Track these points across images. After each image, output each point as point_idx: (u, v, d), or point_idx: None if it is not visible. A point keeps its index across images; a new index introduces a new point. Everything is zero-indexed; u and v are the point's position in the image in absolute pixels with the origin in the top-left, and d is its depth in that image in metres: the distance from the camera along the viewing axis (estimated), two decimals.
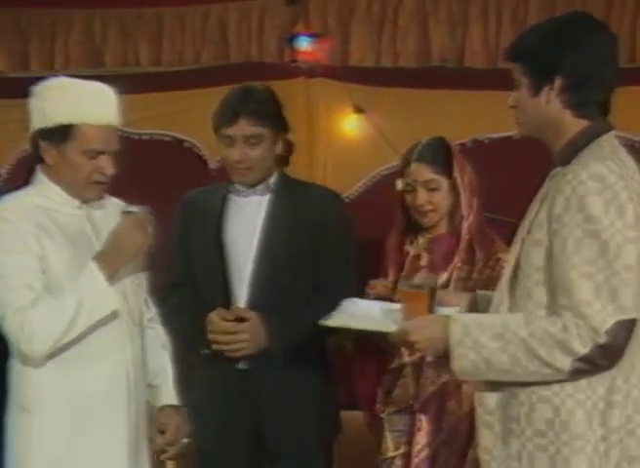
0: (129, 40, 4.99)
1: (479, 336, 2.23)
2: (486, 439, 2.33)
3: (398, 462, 3.04)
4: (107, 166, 2.62)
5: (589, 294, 2.14)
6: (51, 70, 4.73)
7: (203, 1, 4.98)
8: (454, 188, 3.08)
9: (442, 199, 3.08)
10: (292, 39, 4.82)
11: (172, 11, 4.99)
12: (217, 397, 3.13)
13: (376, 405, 3.10)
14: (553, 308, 2.20)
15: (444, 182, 3.08)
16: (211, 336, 3.06)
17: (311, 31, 4.83)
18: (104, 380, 2.61)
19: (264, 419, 3.10)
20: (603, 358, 2.15)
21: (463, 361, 2.25)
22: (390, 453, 3.05)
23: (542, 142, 2.36)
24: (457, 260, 3.04)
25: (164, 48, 4.99)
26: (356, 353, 3.11)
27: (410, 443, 3.01)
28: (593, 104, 2.29)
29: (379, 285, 3.03)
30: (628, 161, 2.28)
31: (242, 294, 3.11)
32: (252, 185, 3.15)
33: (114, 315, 2.58)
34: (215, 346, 3.07)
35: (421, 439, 3.00)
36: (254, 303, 3.10)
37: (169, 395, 2.81)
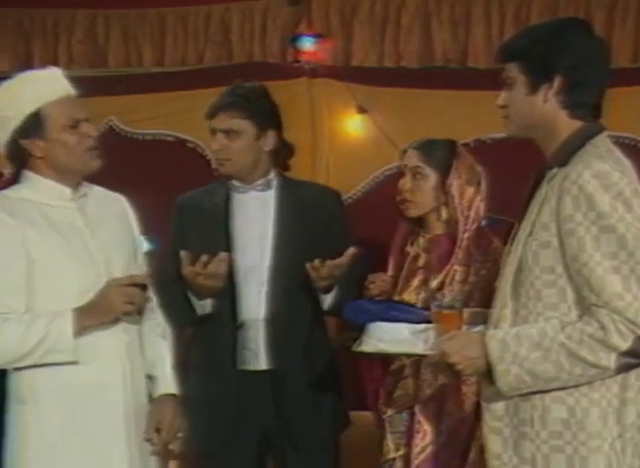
0: (132, 40, 5.00)
1: (518, 349, 2.21)
2: (495, 444, 2.33)
3: (398, 464, 3.03)
4: (91, 129, 2.69)
5: (619, 288, 2.14)
6: None
7: (205, 1, 4.99)
8: (444, 189, 3.02)
9: (424, 192, 3.03)
10: (294, 39, 4.83)
11: (174, 11, 5.00)
12: (235, 398, 3.13)
13: (379, 406, 3.10)
14: (582, 308, 2.20)
15: (432, 176, 3.03)
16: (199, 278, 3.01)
17: (314, 31, 4.84)
18: (97, 372, 2.64)
19: (286, 417, 3.12)
20: None
21: (508, 377, 2.23)
22: (391, 455, 3.04)
23: (533, 143, 2.37)
24: (453, 261, 3.01)
25: (167, 48, 4.99)
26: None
27: (409, 444, 3.00)
28: (588, 106, 2.31)
29: (378, 279, 3.03)
30: (624, 160, 2.29)
31: (259, 291, 3.12)
32: (240, 179, 3.18)
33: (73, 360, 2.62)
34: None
35: (420, 441, 2.98)
36: (274, 299, 3.11)
37: (166, 384, 2.82)
